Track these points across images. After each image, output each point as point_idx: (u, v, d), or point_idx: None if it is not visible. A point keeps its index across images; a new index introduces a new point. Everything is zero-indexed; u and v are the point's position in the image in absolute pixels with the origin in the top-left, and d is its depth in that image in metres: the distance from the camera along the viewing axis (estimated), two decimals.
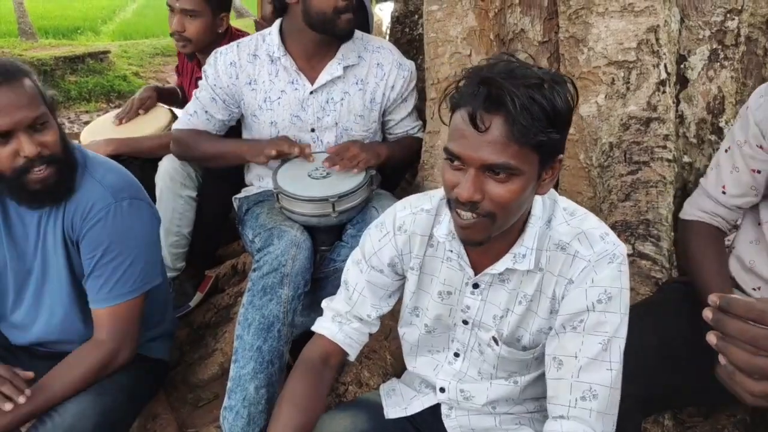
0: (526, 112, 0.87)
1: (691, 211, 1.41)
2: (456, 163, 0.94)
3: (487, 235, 0.99)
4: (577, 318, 1.03)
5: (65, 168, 1.37)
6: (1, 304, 1.52)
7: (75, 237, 1.42)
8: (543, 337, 1.11)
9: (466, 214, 0.96)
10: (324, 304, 1.31)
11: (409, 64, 1.92)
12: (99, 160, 1.49)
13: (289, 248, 1.59)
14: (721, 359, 0.70)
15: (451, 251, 1.13)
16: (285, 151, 1.75)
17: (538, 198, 1.06)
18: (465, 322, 1.17)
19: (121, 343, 1.45)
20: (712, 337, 0.70)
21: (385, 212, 1.24)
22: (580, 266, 1.03)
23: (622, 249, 1.04)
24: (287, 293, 1.57)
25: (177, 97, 2.59)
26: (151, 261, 1.51)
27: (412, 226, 1.18)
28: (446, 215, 1.11)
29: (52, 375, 1.39)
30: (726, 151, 1.33)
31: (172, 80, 2.72)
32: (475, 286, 1.13)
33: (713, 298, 0.70)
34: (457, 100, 0.94)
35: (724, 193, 1.34)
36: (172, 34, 2.23)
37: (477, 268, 1.12)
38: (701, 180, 1.41)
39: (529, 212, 1.06)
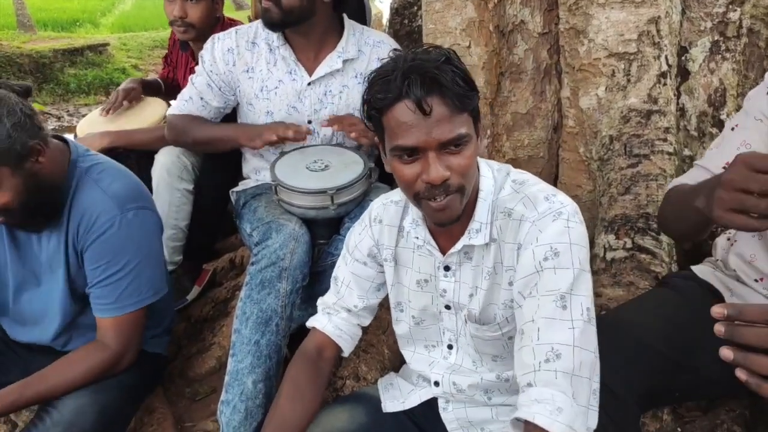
0: (455, 84, 0.95)
1: (678, 180, 1.33)
2: (411, 157, 0.99)
3: (461, 209, 1.03)
4: (531, 283, 1.00)
5: (23, 214, 1.34)
6: (1, 297, 1.53)
7: (79, 247, 1.41)
8: (509, 312, 1.10)
9: (440, 197, 0.99)
10: (318, 301, 1.33)
11: None
12: (104, 167, 1.45)
13: (288, 242, 1.58)
14: (741, 374, 0.64)
15: (417, 237, 1.15)
16: (281, 135, 1.74)
17: (488, 174, 1.11)
18: (448, 307, 1.18)
19: (126, 349, 1.46)
20: (728, 353, 0.64)
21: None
22: (525, 228, 1.03)
23: (571, 208, 1.02)
24: (285, 287, 1.57)
25: (159, 89, 2.57)
26: (156, 271, 1.50)
27: (383, 216, 1.23)
28: (413, 207, 1.15)
29: (53, 368, 1.39)
30: (733, 129, 1.28)
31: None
32: (447, 268, 1.15)
33: (718, 310, 0.64)
34: (388, 101, 0.97)
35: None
36: (172, 22, 2.21)
37: (444, 252, 1.14)
38: (695, 162, 1.35)
39: (478, 188, 1.09)
